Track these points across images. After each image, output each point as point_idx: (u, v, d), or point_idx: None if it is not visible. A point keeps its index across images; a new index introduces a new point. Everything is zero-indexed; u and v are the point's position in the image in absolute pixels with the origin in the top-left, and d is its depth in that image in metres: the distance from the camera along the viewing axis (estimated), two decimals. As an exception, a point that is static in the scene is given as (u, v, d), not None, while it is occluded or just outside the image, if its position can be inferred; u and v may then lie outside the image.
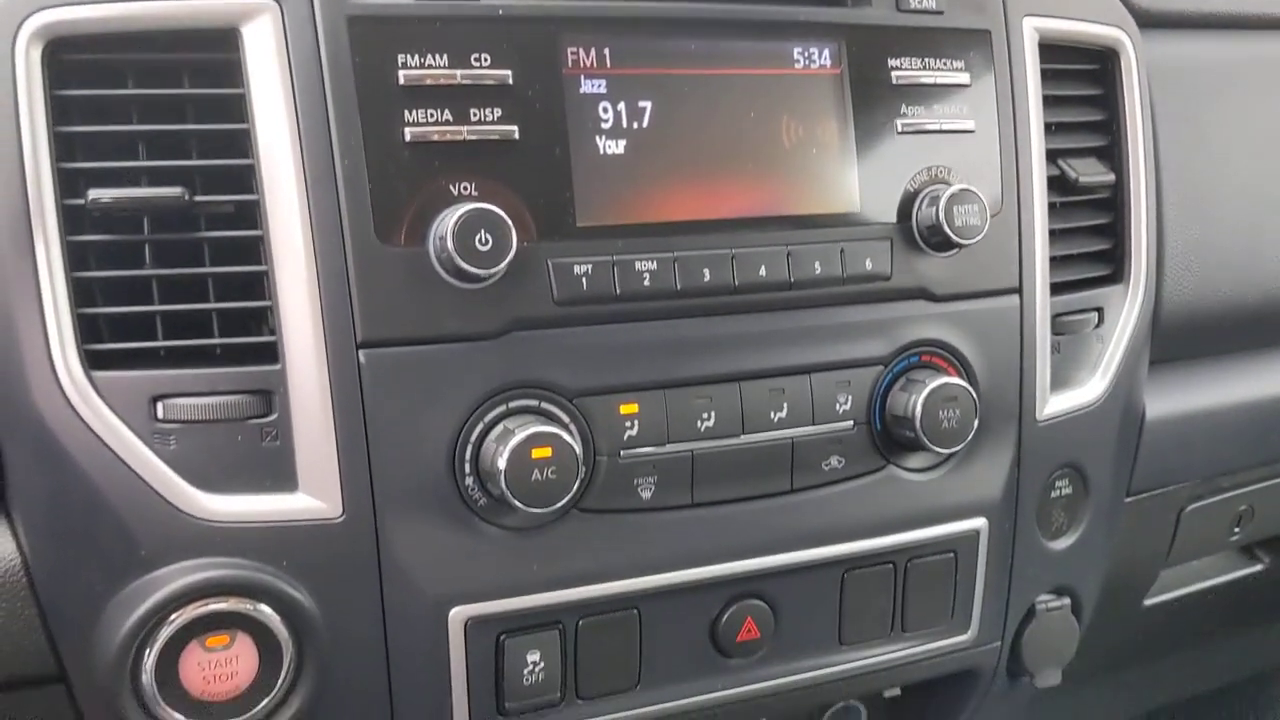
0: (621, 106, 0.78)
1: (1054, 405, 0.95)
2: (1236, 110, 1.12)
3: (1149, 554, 1.14)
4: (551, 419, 0.76)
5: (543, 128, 0.75)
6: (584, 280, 0.76)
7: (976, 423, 0.86)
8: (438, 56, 0.73)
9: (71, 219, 0.70)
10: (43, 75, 0.69)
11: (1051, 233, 0.94)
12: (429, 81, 0.73)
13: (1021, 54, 0.91)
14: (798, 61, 0.83)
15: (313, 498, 0.73)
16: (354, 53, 0.71)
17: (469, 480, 0.76)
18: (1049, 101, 0.94)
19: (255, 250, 0.73)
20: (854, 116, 0.84)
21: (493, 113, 0.74)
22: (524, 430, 0.73)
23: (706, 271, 0.79)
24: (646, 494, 0.80)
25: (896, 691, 0.97)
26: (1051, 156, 0.95)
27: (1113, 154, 1.00)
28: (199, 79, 0.73)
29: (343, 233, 0.72)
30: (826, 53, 0.83)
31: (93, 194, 0.70)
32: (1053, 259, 0.94)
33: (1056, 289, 0.95)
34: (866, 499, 0.87)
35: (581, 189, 0.76)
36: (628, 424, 0.79)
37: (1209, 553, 1.23)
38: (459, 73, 0.73)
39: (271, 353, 0.73)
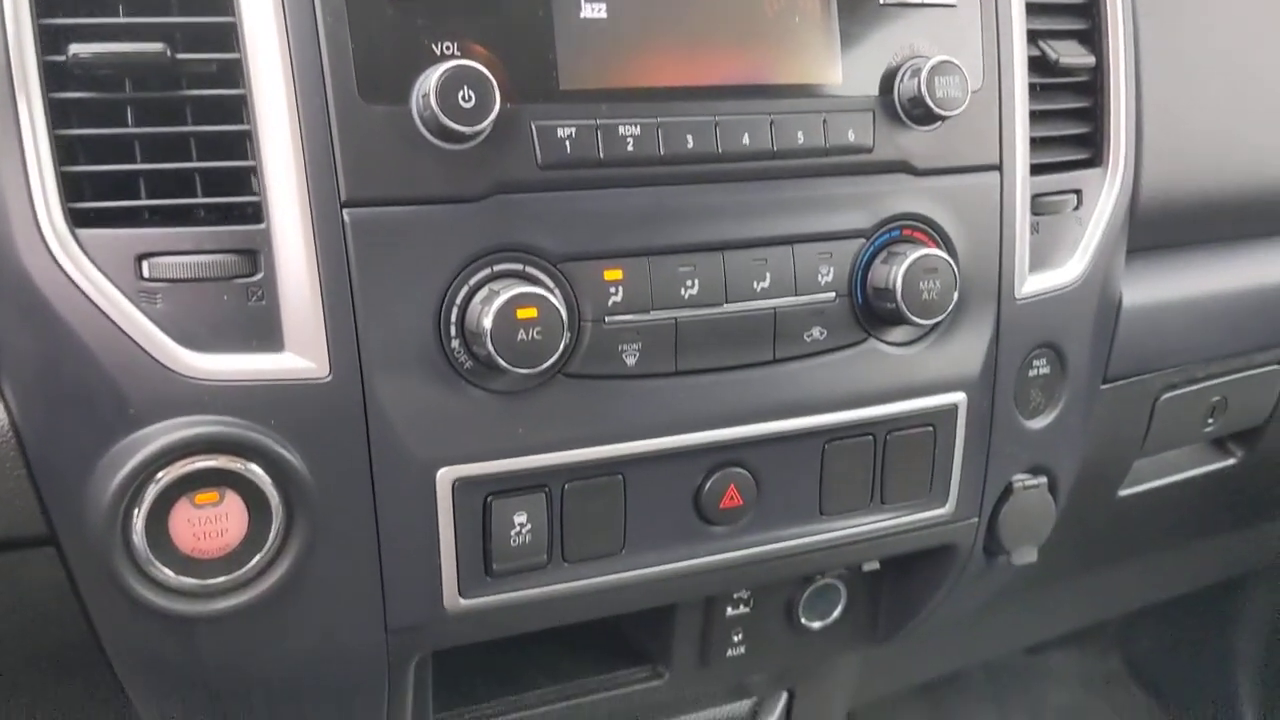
0: (605, -31, 0.78)
1: (1032, 285, 0.96)
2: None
3: (1124, 443, 1.16)
4: (536, 283, 0.77)
5: None
6: (567, 144, 0.77)
7: (956, 295, 0.87)
8: None
9: (53, 75, 0.70)
10: None
11: (1031, 114, 0.95)
12: None
13: (1003, -70, 0.91)
14: (780, -70, 0.83)
15: (300, 357, 0.74)
16: None
17: (455, 343, 0.76)
18: (1030, -19, 0.95)
19: (238, 109, 0.73)
20: None
21: None
22: (509, 291, 0.74)
23: (690, 138, 0.80)
24: (631, 361, 0.81)
25: (875, 566, 0.99)
26: (1032, 37, 0.96)
27: (1093, 38, 1.01)
28: None
29: (325, 91, 0.72)
30: None
31: (74, 49, 0.69)
32: (1033, 140, 0.95)
33: (1036, 170, 0.96)
34: (847, 371, 0.88)
35: (565, 51, 0.76)
36: (612, 290, 0.79)
37: (1183, 444, 1.25)
38: None
39: (256, 212, 0.73)
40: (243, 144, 0.73)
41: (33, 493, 0.75)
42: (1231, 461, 1.31)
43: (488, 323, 0.73)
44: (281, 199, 0.72)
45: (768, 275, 0.84)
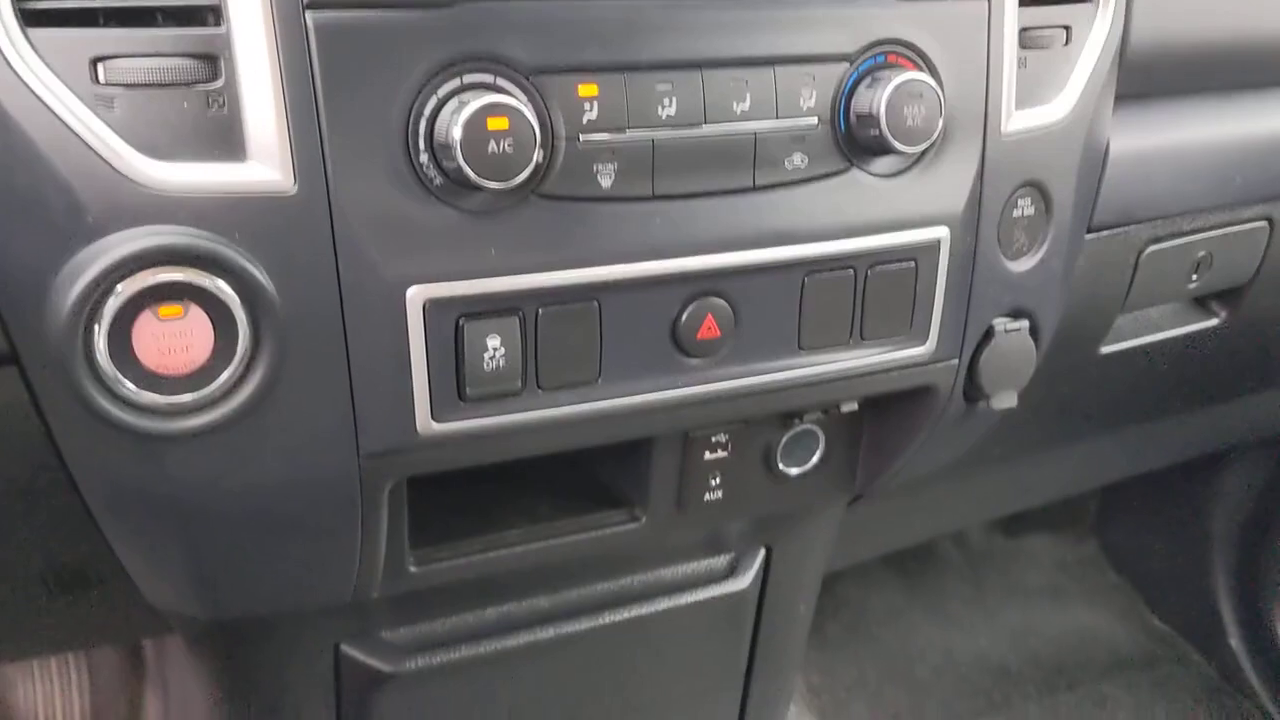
0: None
1: (1019, 121, 0.94)
2: None
3: (1107, 297, 1.15)
4: (507, 94, 0.74)
5: None
6: None
7: (941, 122, 0.85)
8: None
9: None
10: None
11: (1022, -56, 0.92)
12: None
13: None
14: None
15: (263, 168, 0.71)
16: None
17: (424, 157, 0.74)
18: None
19: (194, -96, 0.70)
20: None
21: None
22: (479, 100, 0.71)
23: None
24: (606, 182, 0.79)
25: (854, 406, 0.98)
26: None
27: None
28: None
29: None
30: None
31: None
32: (1023, -29, 0.92)
33: (1025, 1, 0.93)
34: (829, 201, 0.86)
35: None
36: (586, 106, 0.77)
37: (1166, 300, 1.24)
38: None
39: (216, 16, 0.70)
40: (200, -57, 0.70)
41: None
42: (1214, 322, 1.30)
43: (457, 133, 0.71)
44: (241, 1, 0.69)
45: (748, 96, 0.81)
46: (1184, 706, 2.08)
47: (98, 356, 0.70)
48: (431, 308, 0.76)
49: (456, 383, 0.79)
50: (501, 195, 0.76)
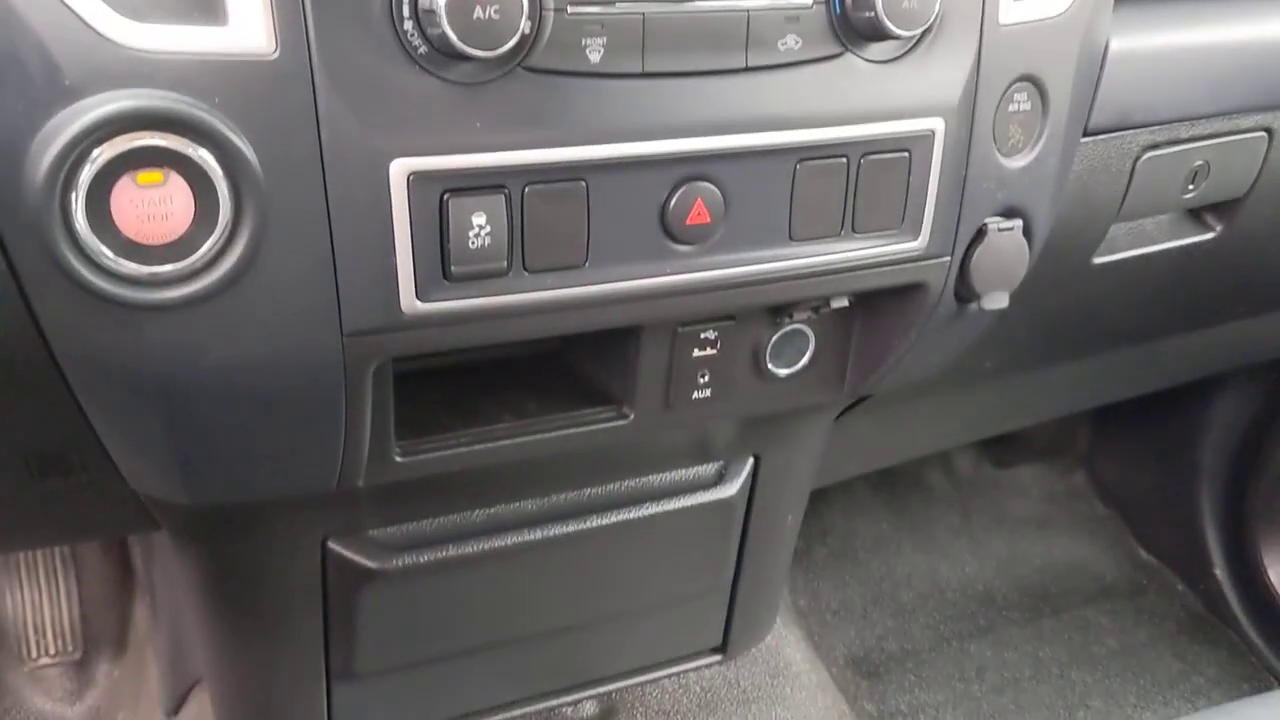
0: None
1: (1017, 11, 0.92)
2: None
3: (1102, 203, 1.14)
4: None
5: None
6: None
7: (939, 6, 0.84)
8: None
9: None
10: None
11: None
12: None
13: None
14: None
15: (244, 31, 0.70)
16: None
17: (408, 24, 0.72)
18: None
19: None
20: None
21: None
22: None
23: None
24: (595, 56, 0.77)
25: (844, 303, 0.98)
26: None
27: None
28: None
29: None
30: None
31: None
32: None
33: (1027, -113, 0.91)
34: (823, 86, 0.85)
35: None
36: None
37: (1162, 210, 1.23)
38: None
39: None
40: None
41: None
42: (1209, 236, 1.29)
43: None
44: None
45: None
46: (1167, 633, 2.11)
47: (76, 222, 0.69)
48: (415, 181, 0.75)
49: (441, 261, 0.78)
50: (487, 66, 0.74)
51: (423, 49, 0.73)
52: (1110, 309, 1.35)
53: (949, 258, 0.97)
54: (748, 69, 0.82)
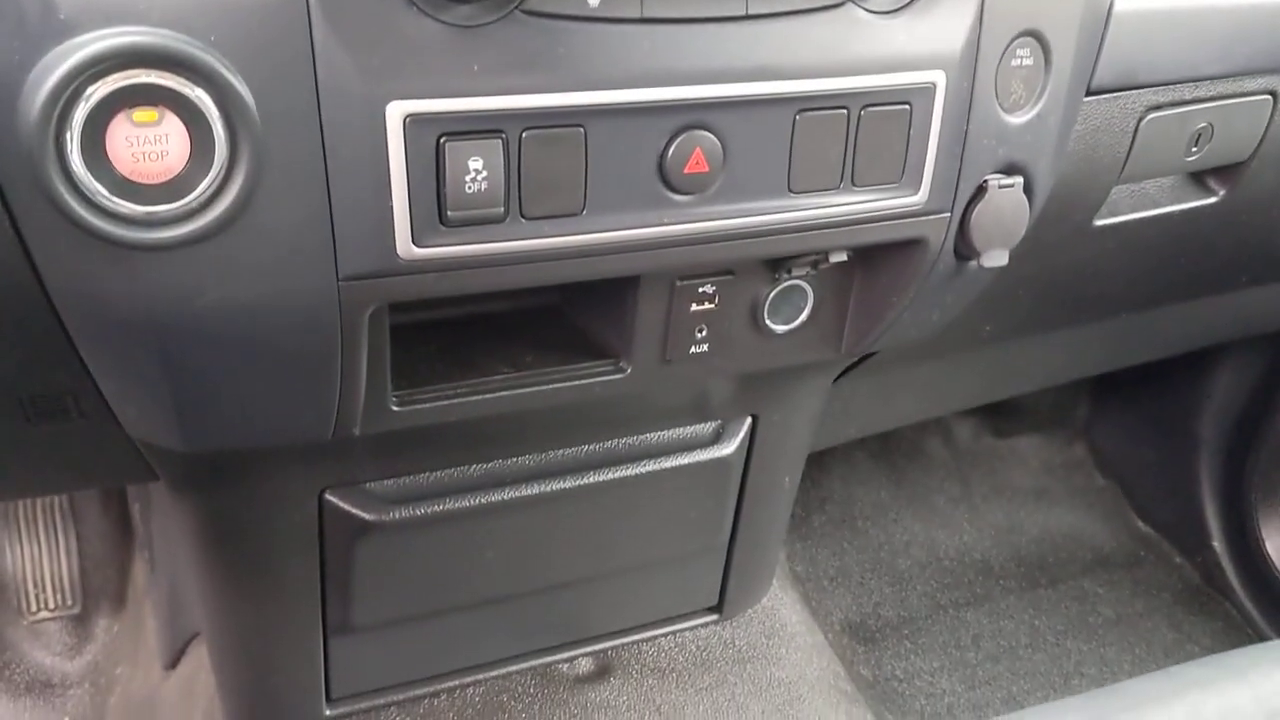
0: None
1: (1021, -35, 0.91)
2: None
3: (1104, 163, 1.13)
4: None
5: None
6: None
7: None
8: None
9: None
10: None
11: None
12: None
13: None
14: None
15: None
16: None
17: None
18: None
19: None
20: None
21: None
22: None
23: None
24: (594, 0, 0.77)
25: (843, 257, 0.97)
26: None
27: None
28: None
29: None
30: None
31: None
32: None
33: None
34: (824, 36, 0.84)
35: None
36: None
37: (1164, 173, 1.23)
38: None
39: None
40: None
41: None
42: (1212, 200, 1.28)
43: None
44: None
45: None
46: (1164, 604, 2.11)
47: (71, 160, 0.69)
48: (412, 124, 0.74)
49: (438, 205, 0.77)
50: (485, 8, 0.74)
51: (419, -12, 0.73)
52: (1110, 273, 1.35)
53: (949, 214, 0.96)
54: (748, 17, 0.82)
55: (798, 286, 1.03)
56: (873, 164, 0.90)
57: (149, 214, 0.72)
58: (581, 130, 0.79)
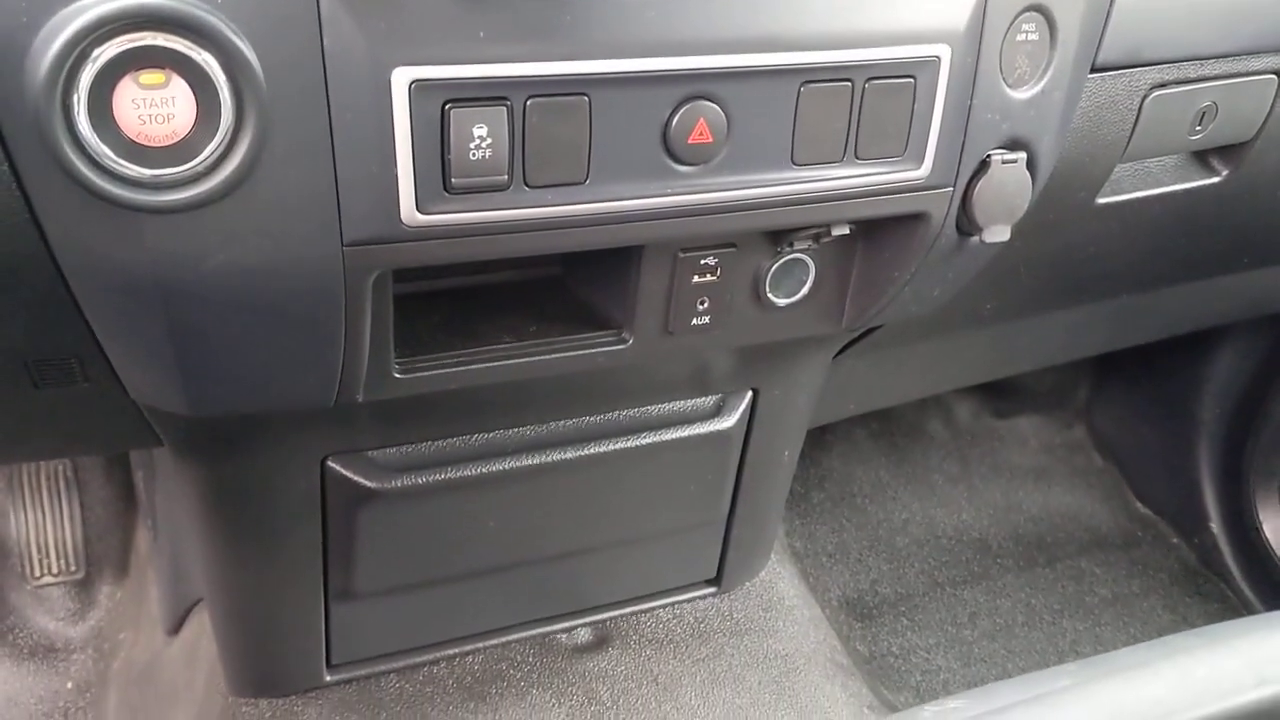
0: None
1: (1027, -60, 0.91)
2: None
3: (1108, 141, 1.13)
4: None
5: None
6: None
7: None
8: None
9: None
10: None
11: None
12: None
13: None
14: None
15: None
16: None
17: None
18: None
19: None
20: None
21: None
22: None
23: None
24: None
25: (845, 230, 0.98)
26: None
27: None
28: None
29: None
30: None
31: None
32: None
33: None
34: (829, 7, 0.84)
35: None
36: None
37: (1168, 151, 1.23)
38: None
39: None
40: None
41: None
42: (1215, 180, 1.28)
43: None
44: None
45: None
46: (1160, 585, 2.12)
47: (78, 122, 0.69)
48: (417, 90, 0.75)
49: (442, 172, 0.78)
50: (492, -26, 0.74)
51: (427, -44, 0.73)
52: (1112, 252, 1.35)
53: (951, 188, 0.97)
54: (753, -14, 0.82)
55: (799, 260, 1.03)
56: (876, 137, 0.90)
57: (155, 177, 0.72)
58: (586, 99, 0.80)
